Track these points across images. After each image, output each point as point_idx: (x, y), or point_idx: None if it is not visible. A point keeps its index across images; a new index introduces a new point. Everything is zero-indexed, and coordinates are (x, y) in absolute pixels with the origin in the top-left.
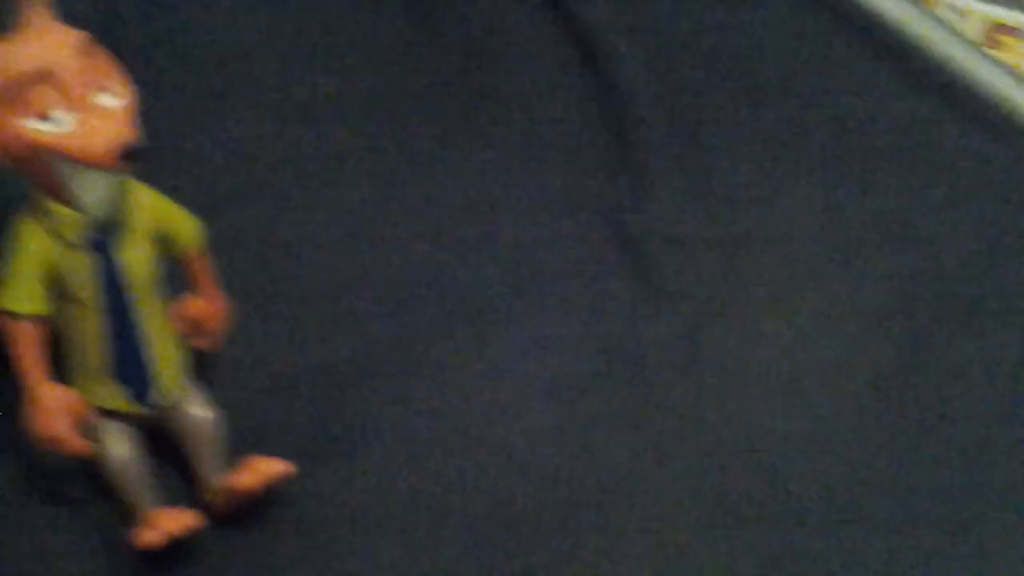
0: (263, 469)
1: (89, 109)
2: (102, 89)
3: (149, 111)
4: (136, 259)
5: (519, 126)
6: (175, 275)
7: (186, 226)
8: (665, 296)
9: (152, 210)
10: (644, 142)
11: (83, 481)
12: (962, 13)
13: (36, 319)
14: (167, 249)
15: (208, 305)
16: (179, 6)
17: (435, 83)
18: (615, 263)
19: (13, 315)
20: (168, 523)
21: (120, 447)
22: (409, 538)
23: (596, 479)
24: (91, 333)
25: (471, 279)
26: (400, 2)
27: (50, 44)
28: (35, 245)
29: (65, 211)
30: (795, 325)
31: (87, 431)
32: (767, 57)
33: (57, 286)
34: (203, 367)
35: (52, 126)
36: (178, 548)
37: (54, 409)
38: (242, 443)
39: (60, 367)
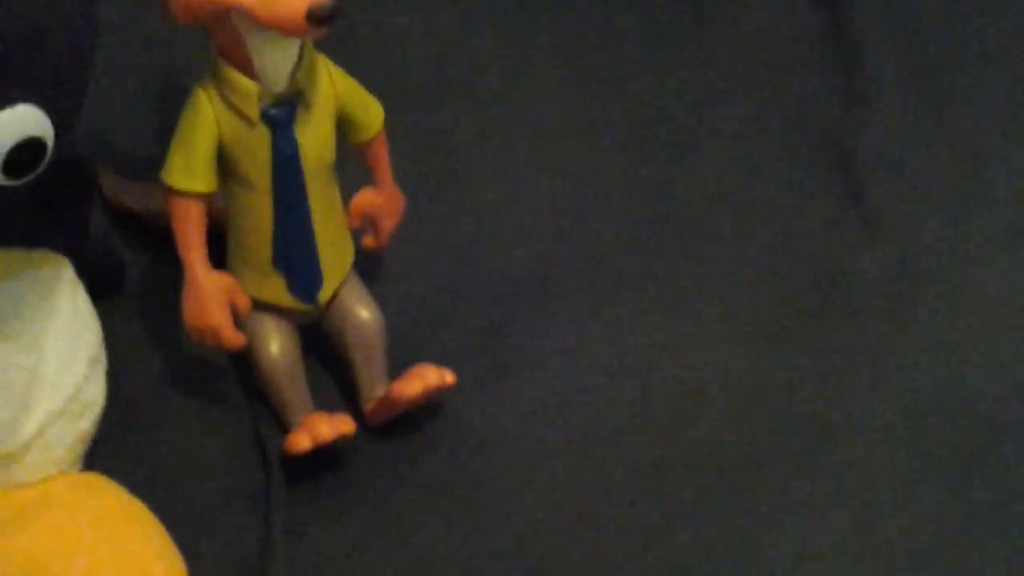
0: (428, 378)
1: None
2: None
3: None
4: (315, 139)
5: (732, 42)
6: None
7: (370, 109)
8: (881, 225)
9: (336, 88)
10: (869, 61)
11: (233, 377)
12: None
13: (203, 197)
14: (346, 132)
15: (383, 197)
16: None
17: None
18: (829, 188)
19: (180, 192)
20: (321, 429)
21: (276, 344)
22: (566, 471)
23: (792, 423)
24: (258, 217)
25: (669, 198)
26: None
27: None
28: (209, 116)
29: (245, 81)
30: (1016, 266)
31: (243, 323)
32: None
33: (226, 163)
34: (367, 265)
35: None
36: (327, 452)
37: (212, 296)
38: (398, 351)
39: (220, 253)
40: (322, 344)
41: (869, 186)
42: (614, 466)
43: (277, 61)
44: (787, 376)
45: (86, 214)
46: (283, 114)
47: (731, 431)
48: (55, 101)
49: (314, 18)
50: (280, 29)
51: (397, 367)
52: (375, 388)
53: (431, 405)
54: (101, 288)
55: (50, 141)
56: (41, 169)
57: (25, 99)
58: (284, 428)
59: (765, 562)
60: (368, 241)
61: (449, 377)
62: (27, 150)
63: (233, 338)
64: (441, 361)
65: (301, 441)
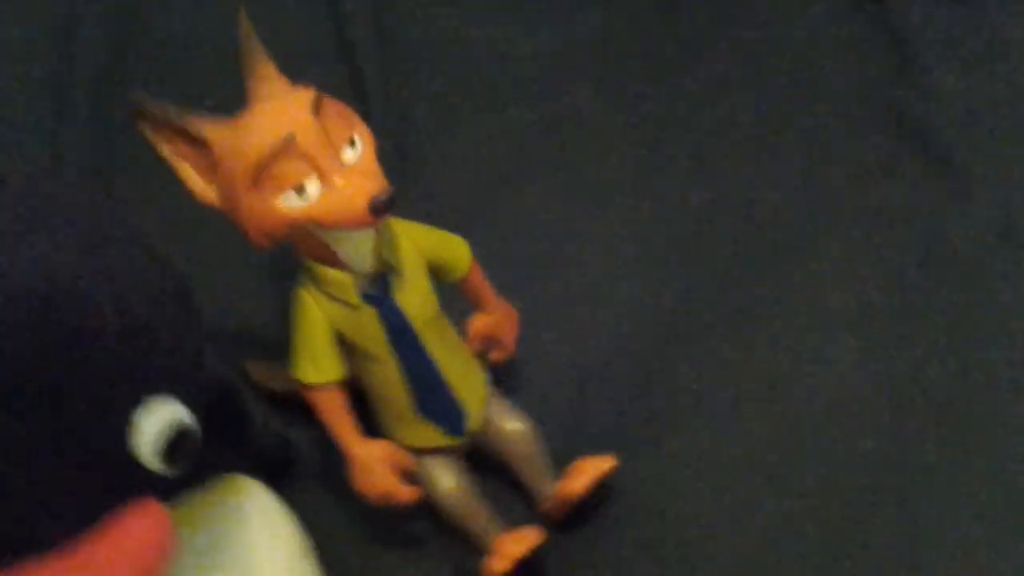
0: (591, 470)
1: (336, 170)
2: (343, 144)
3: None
4: (416, 299)
5: (798, 46)
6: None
7: (456, 250)
8: (972, 184)
9: (420, 245)
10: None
11: (426, 517)
12: None
13: (336, 384)
14: (440, 276)
15: (495, 316)
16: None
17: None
18: (911, 161)
19: (316, 386)
20: (513, 547)
21: (447, 481)
22: (742, 506)
23: (926, 410)
24: (391, 381)
25: (764, 214)
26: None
27: (285, 112)
28: (317, 314)
29: (337, 274)
30: None
31: (412, 475)
32: None
33: (346, 345)
34: (502, 377)
35: (304, 197)
36: (525, 564)
37: (374, 466)
38: (555, 443)
39: (368, 418)
40: (490, 461)
41: (946, 149)
42: (773, 494)
43: (359, 248)
44: (904, 358)
45: (249, 424)
46: (379, 290)
47: (885, 439)
48: (180, 390)
49: (376, 210)
50: (349, 227)
51: (560, 458)
52: (546, 488)
53: (605, 486)
54: (274, 471)
55: (191, 422)
56: (197, 450)
57: (150, 392)
58: (480, 552)
59: None
60: (496, 356)
61: (608, 463)
62: (180, 438)
63: (407, 495)
64: (600, 439)
65: (498, 565)
